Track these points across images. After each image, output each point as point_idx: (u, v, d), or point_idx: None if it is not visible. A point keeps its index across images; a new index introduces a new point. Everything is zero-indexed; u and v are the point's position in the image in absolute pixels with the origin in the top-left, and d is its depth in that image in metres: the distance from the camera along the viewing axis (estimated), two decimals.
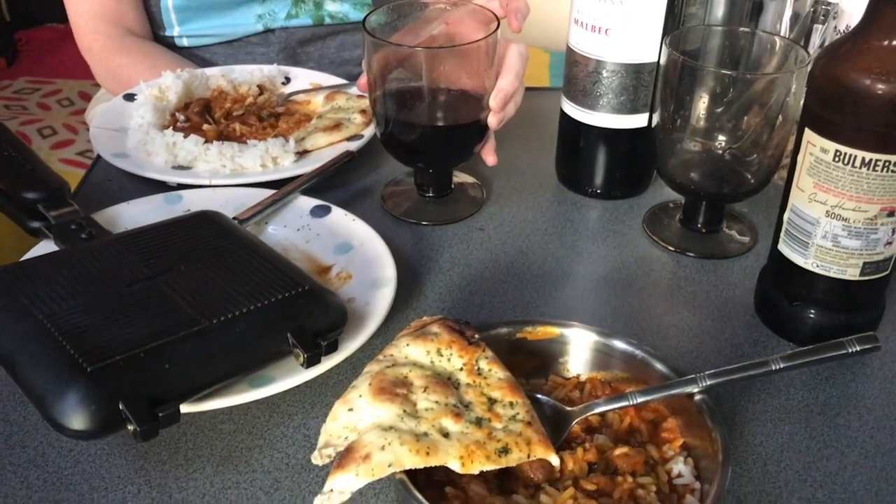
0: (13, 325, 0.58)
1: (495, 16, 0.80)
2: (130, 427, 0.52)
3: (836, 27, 0.91)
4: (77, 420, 0.51)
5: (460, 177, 0.90)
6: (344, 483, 0.48)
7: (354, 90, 1.03)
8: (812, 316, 0.68)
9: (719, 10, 0.87)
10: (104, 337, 0.56)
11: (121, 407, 0.52)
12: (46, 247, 0.72)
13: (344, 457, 0.49)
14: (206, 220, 0.72)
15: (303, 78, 1.07)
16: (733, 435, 0.61)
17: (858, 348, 0.56)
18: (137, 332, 0.57)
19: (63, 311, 0.58)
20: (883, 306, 0.70)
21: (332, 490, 0.48)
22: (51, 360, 0.55)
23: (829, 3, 0.90)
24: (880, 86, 0.58)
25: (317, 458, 0.51)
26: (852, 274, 0.65)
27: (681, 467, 0.55)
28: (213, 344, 0.57)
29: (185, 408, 0.55)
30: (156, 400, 0.53)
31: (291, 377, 0.60)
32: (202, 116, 0.97)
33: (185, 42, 1.20)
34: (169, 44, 1.20)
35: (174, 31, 1.19)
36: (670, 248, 0.82)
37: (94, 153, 1.00)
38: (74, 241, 0.70)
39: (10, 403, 0.62)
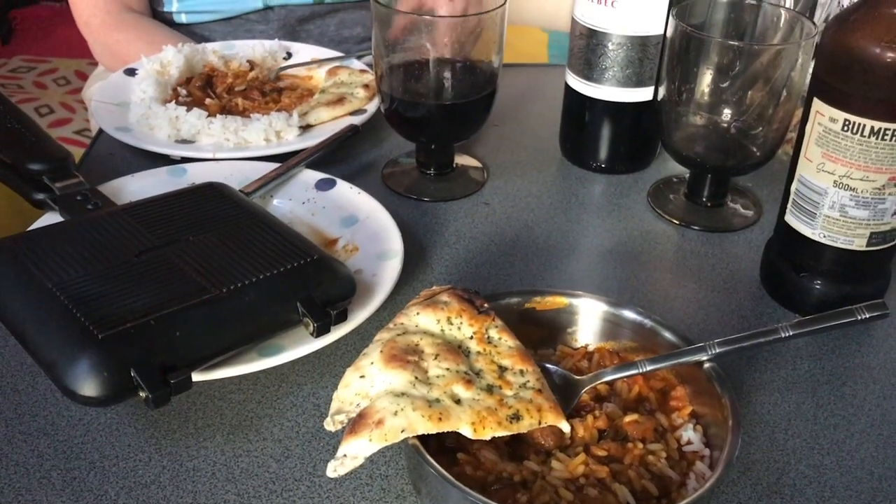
0: (23, 293, 0.58)
1: None
2: (142, 394, 0.52)
3: (839, 2, 0.91)
4: (89, 387, 0.51)
5: (462, 158, 0.90)
6: (357, 448, 0.48)
7: (357, 64, 1.02)
8: (818, 286, 0.68)
9: None
10: (114, 305, 0.56)
11: (132, 374, 0.52)
12: (52, 218, 0.72)
13: (356, 423, 0.49)
14: (214, 191, 0.71)
15: (304, 53, 1.07)
16: (741, 404, 0.61)
17: (868, 315, 0.56)
18: (148, 300, 0.57)
19: (72, 280, 0.58)
20: (889, 277, 0.70)
21: (345, 455, 0.49)
22: (61, 327, 0.54)
23: None
24: (890, 54, 0.58)
25: (329, 425, 0.51)
26: (859, 244, 0.65)
27: (690, 434, 0.55)
28: (223, 312, 0.57)
29: (195, 377, 0.55)
30: (167, 367, 0.53)
31: (301, 346, 0.60)
32: (204, 91, 0.97)
33: (183, 18, 1.19)
34: (167, 20, 1.19)
35: (173, 6, 1.18)
36: (675, 221, 0.82)
37: (92, 132, 0.99)
38: (80, 212, 0.70)
39: (18, 373, 0.62)
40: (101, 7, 1.15)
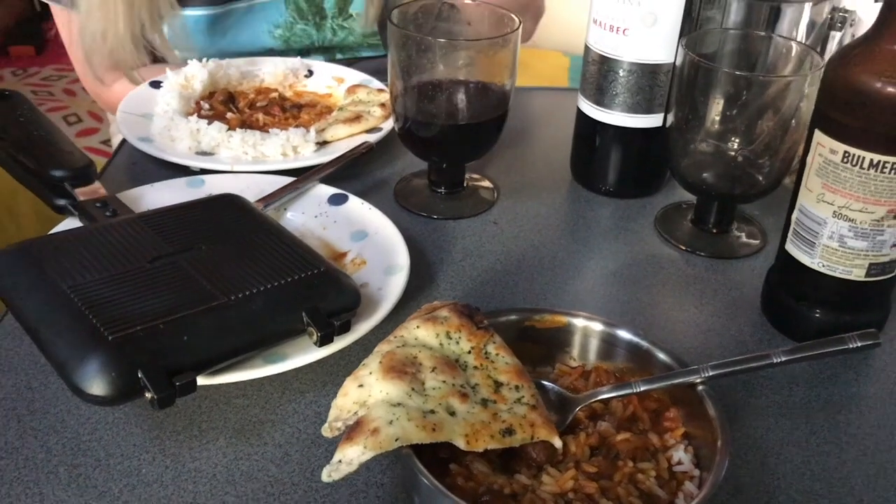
0: (39, 294, 0.60)
1: (516, 17, 0.82)
2: (148, 395, 0.54)
3: (853, 35, 0.92)
4: (97, 386, 0.53)
5: (473, 177, 0.92)
6: (352, 455, 0.50)
7: (376, 84, 1.04)
8: (817, 315, 0.69)
9: (736, 14, 0.89)
10: (125, 308, 0.58)
11: (139, 375, 0.54)
12: (71, 223, 0.74)
13: (353, 430, 0.51)
14: (228, 203, 0.74)
15: (325, 71, 1.09)
16: (734, 427, 0.62)
17: (859, 344, 0.57)
18: (158, 304, 0.59)
19: (87, 283, 0.60)
20: (889, 308, 0.71)
21: (340, 461, 0.50)
22: (73, 328, 0.57)
23: (846, 11, 0.91)
24: (890, 89, 0.59)
25: (326, 431, 0.53)
26: (858, 275, 0.66)
27: (681, 455, 0.56)
28: (230, 319, 0.59)
29: (200, 380, 0.57)
30: (173, 370, 0.55)
31: (304, 355, 0.62)
32: (226, 105, 1.00)
33: None
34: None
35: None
36: (681, 247, 0.83)
37: (113, 142, 1.00)
38: (99, 218, 0.72)
39: (32, 371, 0.64)
40: (108, 80, 1.12)
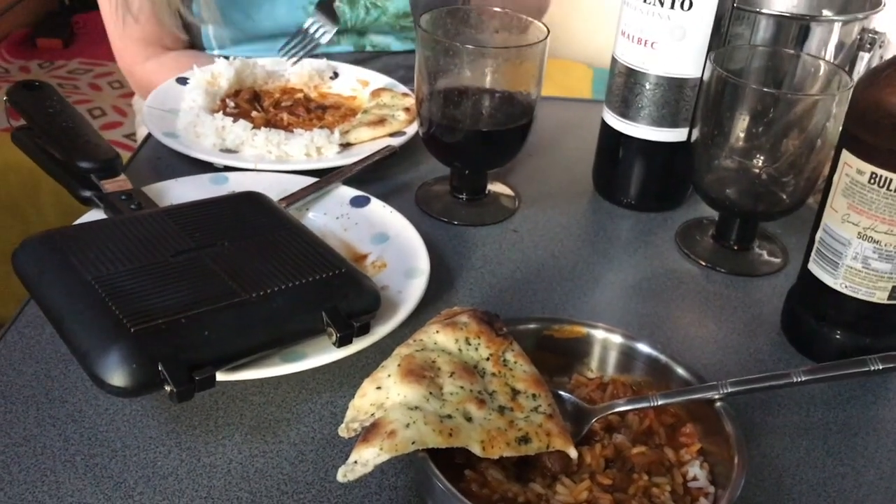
0: (63, 284, 0.60)
1: (545, 26, 0.82)
2: (167, 388, 0.54)
3: (881, 56, 0.92)
4: (118, 377, 0.54)
5: (495, 185, 0.92)
6: (367, 456, 0.50)
7: (401, 88, 1.05)
8: (838, 336, 0.69)
9: (765, 31, 0.89)
10: (148, 301, 0.58)
11: (160, 368, 0.54)
12: (96, 215, 0.75)
13: (369, 432, 0.51)
14: (252, 200, 0.74)
15: (350, 73, 1.10)
16: (751, 446, 0.62)
17: (881, 367, 0.56)
18: (180, 298, 0.59)
19: (110, 275, 0.61)
20: None
21: (355, 462, 0.50)
22: (96, 319, 0.57)
23: (875, 32, 0.91)
24: None
25: (343, 431, 0.53)
26: (880, 297, 0.66)
27: (696, 471, 0.56)
28: (250, 316, 0.60)
29: (219, 376, 0.58)
30: (193, 364, 0.55)
31: (323, 355, 0.62)
32: (251, 104, 1.00)
33: None
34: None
35: (214, 52, 1.22)
36: (701, 262, 0.83)
37: (138, 136, 1.01)
38: (123, 211, 0.73)
39: (52, 360, 0.65)
40: (142, 55, 1.19)
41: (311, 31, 1.08)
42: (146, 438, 0.59)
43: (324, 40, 1.10)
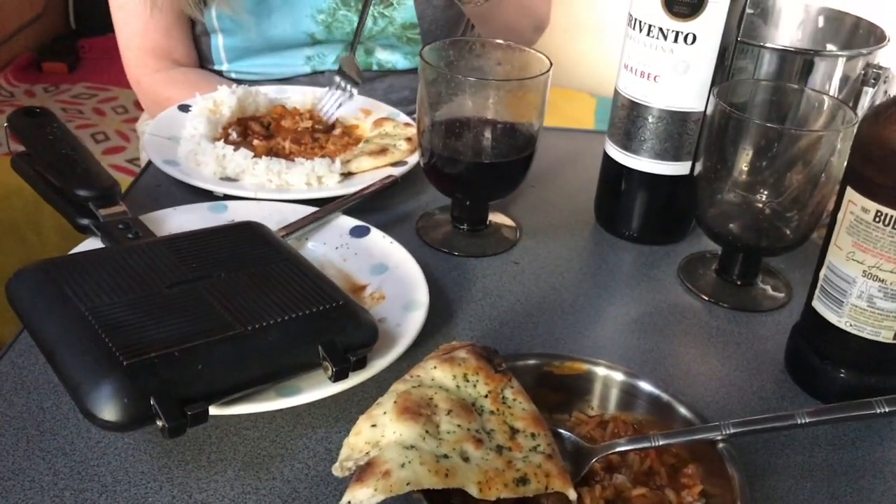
0: (56, 315, 0.60)
1: (547, 58, 0.82)
2: (159, 423, 0.53)
3: (885, 91, 0.91)
4: (109, 411, 0.53)
5: (496, 216, 0.91)
6: (361, 497, 0.49)
7: (403, 118, 1.05)
8: (842, 376, 0.68)
9: (769, 65, 0.88)
10: (142, 333, 0.58)
11: (152, 402, 0.53)
12: (93, 244, 0.74)
13: (364, 471, 0.50)
14: (250, 231, 0.73)
15: (353, 103, 1.09)
16: (754, 487, 0.60)
17: (887, 409, 0.55)
18: (174, 331, 0.58)
19: (105, 306, 0.60)
20: None
21: (349, 502, 0.49)
22: (89, 351, 0.56)
23: (880, 67, 0.90)
24: None
25: (337, 470, 0.52)
26: (886, 336, 0.65)
27: None
28: (245, 349, 0.59)
29: (212, 410, 0.57)
30: (186, 399, 0.54)
31: (318, 389, 0.61)
32: (265, 129, 1.00)
33: (233, 76, 1.23)
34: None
35: (223, 66, 1.22)
36: (704, 297, 0.82)
37: (142, 162, 1.02)
38: (121, 240, 0.72)
39: (44, 391, 0.64)
40: (152, 66, 1.19)
41: (339, 87, 1.09)
42: (137, 473, 0.58)
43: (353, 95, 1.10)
